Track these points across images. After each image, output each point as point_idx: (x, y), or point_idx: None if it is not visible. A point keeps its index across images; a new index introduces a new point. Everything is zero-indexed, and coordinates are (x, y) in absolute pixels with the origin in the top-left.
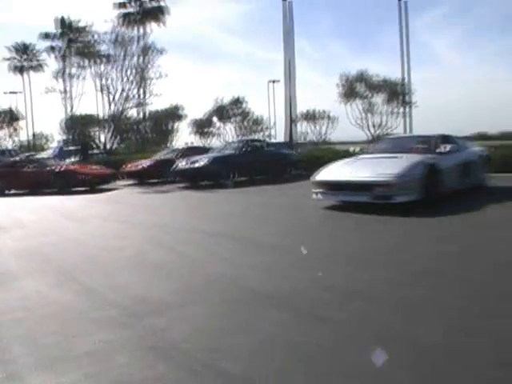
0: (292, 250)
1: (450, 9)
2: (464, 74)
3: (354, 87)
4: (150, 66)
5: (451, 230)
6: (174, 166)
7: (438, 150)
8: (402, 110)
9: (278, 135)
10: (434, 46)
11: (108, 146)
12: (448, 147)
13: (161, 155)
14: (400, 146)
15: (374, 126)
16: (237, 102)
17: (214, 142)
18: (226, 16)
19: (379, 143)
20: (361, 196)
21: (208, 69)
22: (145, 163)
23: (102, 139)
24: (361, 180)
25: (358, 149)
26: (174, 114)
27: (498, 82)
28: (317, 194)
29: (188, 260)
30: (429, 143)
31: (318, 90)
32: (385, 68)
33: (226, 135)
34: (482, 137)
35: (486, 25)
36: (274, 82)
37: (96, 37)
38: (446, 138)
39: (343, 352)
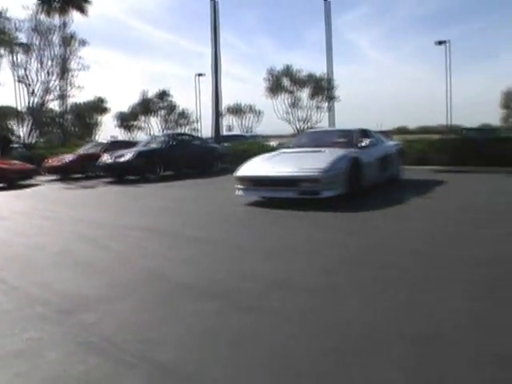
0: (211, 243)
1: (369, 10)
2: (385, 71)
3: (280, 82)
4: (72, 56)
5: (372, 223)
6: (99, 161)
7: (359, 144)
8: (326, 104)
9: (205, 129)
10: (358, 45)
11: (28, 140)
12: (368, 141)
13: (84, 149)
14: (321, 140)
15: (299, 120)
16: (163, 95)
17: (139, 136)
18: (152, 8)
19: (299, 138)
20: (286, 192)
21: (134, 61)
22: (68, 158)
23: (22, 133)
24: (286, 175)
25: (276, 143)
26: (97, 106)
27: (417, 79)
28: (240, 190)
29: (112, 255)
30: (350, 137)
31: (246, 85)
32: (311, 64)
33: (151, 129)
34: (401, 131)
35: (401, 27)
36: (200, 75)
37: (13, 24)
38: (364, 132)
39: (266, 340)
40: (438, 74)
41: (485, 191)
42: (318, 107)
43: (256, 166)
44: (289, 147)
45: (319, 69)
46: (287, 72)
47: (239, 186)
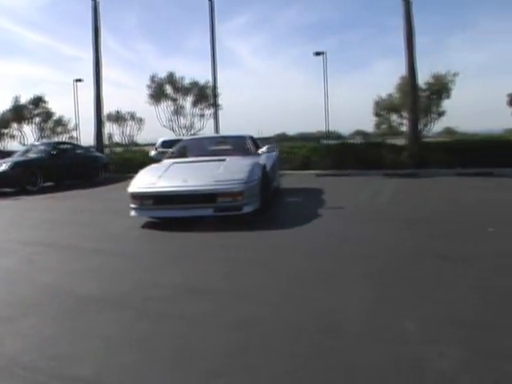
0: (107, 255)
1: (250, 18)
2: (266, 78)
3: (163, 89)
4: None
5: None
6: None
7: (258, 151)
8: (209, 111)
9: (85, 137)
10: (240, 52)
11: None
12: (265, 148)
13: None
14: (210, 147)
15: (182, 128)
16: (37, 101)
17: (11, 145)
18: (22, 7)
19: (179, 146)
20: (199, 210)
21: (3, 64)
22: None
23: None
24: (201, 190)
25: (153, 152)
26: None
27: (297, 87)
28: (135, 210)
29: (3, 272)
30: (243, 144)
31: (127, 91)
32: (194, 71)
33: (25, 137)
34: (281, 137)
35: (282, 36)
36: (78, 81)
37: None
38: (252, 139)
39: (177, 344)
40: (317, 82)
41: (366, 192)
42: (201, 115)
43: (152, 180)
44: (174, 157)
45: (202, 76)
46: (170, 79)
47: (134, 206)
